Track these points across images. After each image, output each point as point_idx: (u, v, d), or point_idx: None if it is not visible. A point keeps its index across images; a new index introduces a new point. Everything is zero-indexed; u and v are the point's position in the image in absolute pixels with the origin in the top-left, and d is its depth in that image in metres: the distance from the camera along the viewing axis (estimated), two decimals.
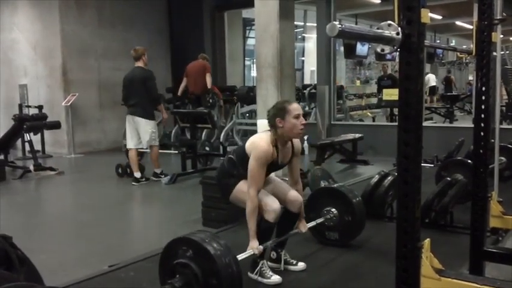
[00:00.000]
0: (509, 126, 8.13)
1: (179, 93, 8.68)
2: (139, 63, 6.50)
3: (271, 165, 3.01)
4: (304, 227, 3.25)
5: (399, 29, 1.66)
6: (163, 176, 6.48)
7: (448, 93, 14.51)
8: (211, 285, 2.26)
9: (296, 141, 3.13)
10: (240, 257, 2.65)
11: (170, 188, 6.23)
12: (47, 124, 7.92)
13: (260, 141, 2.96)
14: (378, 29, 1.67)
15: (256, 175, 2.90)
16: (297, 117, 2.93)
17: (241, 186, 3.04)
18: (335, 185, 3.94)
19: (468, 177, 4.10)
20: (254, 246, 2.88)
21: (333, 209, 3.52)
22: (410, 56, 1.68)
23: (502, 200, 3.30)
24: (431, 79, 16.53)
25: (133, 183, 6.41)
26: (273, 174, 3.25)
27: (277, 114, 2.96)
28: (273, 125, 2.98)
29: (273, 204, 2.94)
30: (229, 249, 2.36)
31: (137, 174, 6.48)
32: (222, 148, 7.42)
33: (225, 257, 2.29)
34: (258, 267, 3.03)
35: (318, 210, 3.55)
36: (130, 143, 6.53)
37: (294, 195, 3.14)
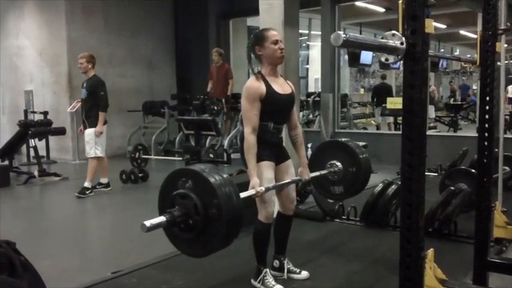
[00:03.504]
0: None
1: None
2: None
3: (275, 100, 2.90)
4: (307, 174, 3.16)
5: (403, 38, 1.67)
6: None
7: (452, 103, 14.53)
8: (210, 215, 2.18)
9: (290, 83, 3.10)
10: (242, 195, 2.47)
11: None
12: (52, 130, 7.97)
13: (246, 83, 2.92)
14: (382, 38, 1.68)
15: (247, 112, 2.85)
16: (275, 42, 2.90)
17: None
18: (338, 139, 3.86)
19: (472, 187, 4.09)
20: (255, 183, 2.73)
21: (337, 163, 3.40)
22: (415, 66, 1.68)
23: (506, 210, 3.28)
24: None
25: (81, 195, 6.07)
26: (292, 168, 3.13)
27: (255, 42, 2.94)
28: (253, 54, 2.95)
29: (268, 207, 2.92)
30: (230, 180, 2.26)
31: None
32: (226, 155, 7.43)
33: (225, 187, 2.20)
34: (261, 276, 3.02)
35: (322, 165, 3.43)
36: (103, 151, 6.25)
37: (292, 198, 3.15)
